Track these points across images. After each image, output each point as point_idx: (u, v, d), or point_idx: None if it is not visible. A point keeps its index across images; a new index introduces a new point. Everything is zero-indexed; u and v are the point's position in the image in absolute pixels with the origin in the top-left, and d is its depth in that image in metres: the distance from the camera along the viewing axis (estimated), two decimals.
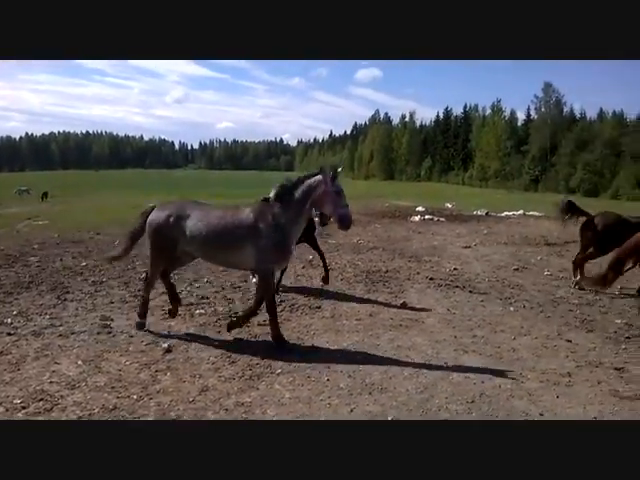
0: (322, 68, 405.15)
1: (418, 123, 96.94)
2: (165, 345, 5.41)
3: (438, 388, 4.57)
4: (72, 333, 5.77)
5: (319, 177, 5.43)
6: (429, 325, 6.47)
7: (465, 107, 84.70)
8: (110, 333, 5.82)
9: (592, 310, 7.40)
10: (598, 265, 8.44)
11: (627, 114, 58.54)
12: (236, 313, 6.47)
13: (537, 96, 67.10)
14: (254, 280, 7.49)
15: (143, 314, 6.03)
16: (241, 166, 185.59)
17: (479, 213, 22.75)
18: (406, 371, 4.94)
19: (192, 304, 7.10)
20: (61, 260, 9.89)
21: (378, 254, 11.56)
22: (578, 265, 8.88)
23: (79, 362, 4.96)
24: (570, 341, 5.97)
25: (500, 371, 4.99)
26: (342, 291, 8.11)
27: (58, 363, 4.92)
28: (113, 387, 4.44)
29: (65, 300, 7.11)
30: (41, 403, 4.08)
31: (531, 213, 22.92)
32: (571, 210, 9.18)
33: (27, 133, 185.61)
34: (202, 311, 6.77)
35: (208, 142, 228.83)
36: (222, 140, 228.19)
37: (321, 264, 8.23)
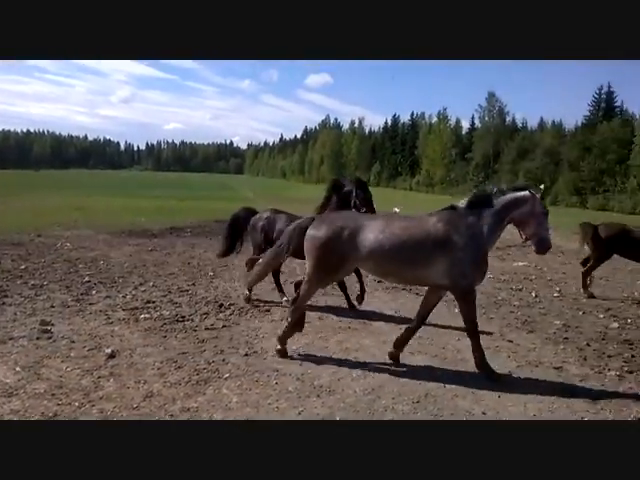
0: (273, 70, 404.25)
1: (367, 129, 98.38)
2: (108, 350, 5.24)
3: (385, 389, 4.64)
4: (10, 339, 5.51)
5: (527, 194, 4.96)
6: (377, 327, 6.57)
7: (412, 115, 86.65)
8: (50, 338, 5.59)
9: (532, 312, 7.71)
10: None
11: (565, 124, 61.40)
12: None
13: (481, 105, 69.36)
14: (285, 299, 7.37)
15: (285, 340, 5.46)
16: (190, 168, 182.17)
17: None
18: (354, 373, 4.99)
19: (137, 308, 6.91)
20: None
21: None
22: (585, 275, 8.97)
23: (17, 368, 4.74)
24: (511, 341, 6.20)
25: (445, 371, 5.13)
26: (292, 294, 8.09)
27: None
28: (53, 394, 4.26)
29: (3, 304, 6.79)
30: None
31: None
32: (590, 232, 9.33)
33: None
34: (147, 315, 6.60)
35: (155, 143, 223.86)
36: (170, 141, 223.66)
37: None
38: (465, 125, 74.39)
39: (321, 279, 5.28)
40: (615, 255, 8.84)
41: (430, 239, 4.82)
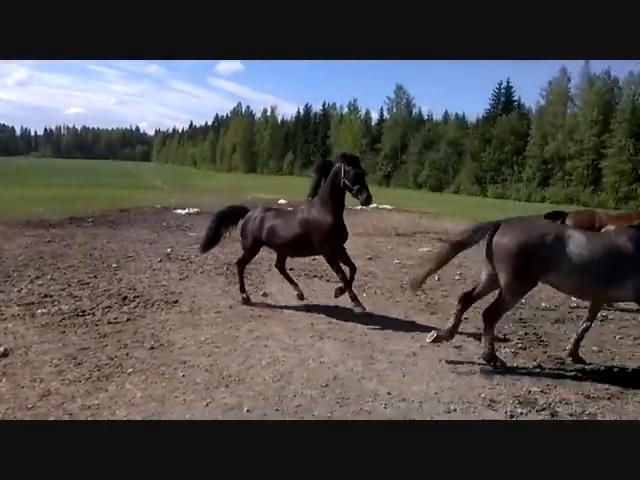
0: None
1: (279, 118, 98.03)
2: (0, 349, 4.86)
3: (294, 375, 4.68)
4: None
5: None
6: (288, 314, 6.61)
7: (324, 105, 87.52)
8: None
9: (435, 294, 8.10)
10: None
11: (468, 117, 64.72)
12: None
13: (389, 97, 71.40)
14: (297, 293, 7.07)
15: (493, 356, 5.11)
16: (92, 155, 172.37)
17: None
18: (264, 361, 4.99)
19: (33, 303, 6.45)
20: None
21: (240, 246, 11.46)
22: None
23: None
24: (415, 323, 6.48)
25: (352, 355, 5.26)
26: (202, 284, 7.95)
27: None
28: None
29: None
30: None
31: (383, 206, 24.43)
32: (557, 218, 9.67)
33: None
34: (45, 310, 6.18)
35: (54, 128, 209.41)
36: (70, 127, 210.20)
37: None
38: (375, 116, 76.23)
39: (520, 289, 5.02)
40: None
41: (622, 255, 4.68)
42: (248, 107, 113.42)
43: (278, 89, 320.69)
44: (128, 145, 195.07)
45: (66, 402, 3.97)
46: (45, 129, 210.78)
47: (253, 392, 4.30)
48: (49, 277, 7.81)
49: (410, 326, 6.36)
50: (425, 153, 61.80)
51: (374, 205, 24.19)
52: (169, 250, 10.33)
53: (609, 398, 4.49)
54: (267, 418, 3.85)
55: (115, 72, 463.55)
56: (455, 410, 4.14)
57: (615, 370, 5.21)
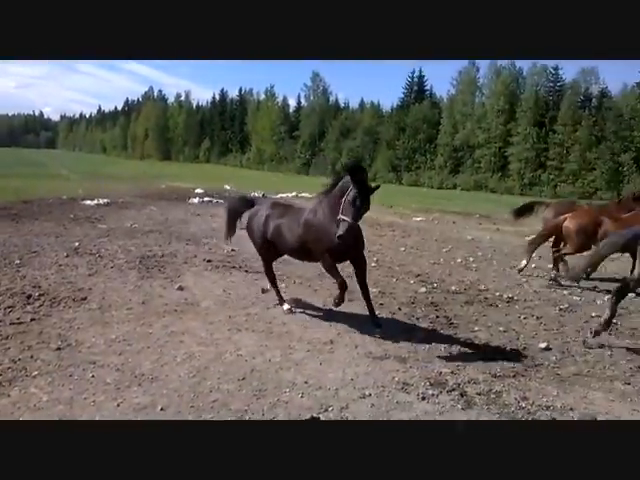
0: None
1: (194, 103, 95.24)
2: None
3: (211, 370, 4.61)
4: None
5: None
6: (204, 308, 6.47)
7: (240, 90, 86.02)
8: None
9: (352, 282, 8.21)
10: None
11: (383, 105, 66.25)
12: None
13: (306, 85, 71.55)
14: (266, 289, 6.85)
15: None
16: None
17: (256, 195, 23.47)
18: (179, 357, 4.87)
19: None
20: None
21: (154, 238, 11.09)
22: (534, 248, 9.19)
23: None
24: (333, 311, 6.57)
25: (270, 345, 5.26)
26: (112, 280, 7.59)
27: None
28: None
29: None
30: None
31: (303, 194, 24.51)
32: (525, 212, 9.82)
33: None
34: None
35: None
36: None
37: None
38: (292, 104, 76.15)
39: None
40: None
41: None
42: (160, 91, 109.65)
43: (191, 73, 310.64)
44: (32, 131, 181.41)
45: None
46: None
47: (167, 390, 4.18)
48: None
49: (328, 314, 6.45)
50: (342, 141, 62.72)
51: (293, 193, 24.31)
52: (77, 244, 9.75)
53: (514, 376, 4.82)
54: (181, 416, 3.77)
55: None
56: (370, 395, 4.26)
57: (521, 348, 5.58)
